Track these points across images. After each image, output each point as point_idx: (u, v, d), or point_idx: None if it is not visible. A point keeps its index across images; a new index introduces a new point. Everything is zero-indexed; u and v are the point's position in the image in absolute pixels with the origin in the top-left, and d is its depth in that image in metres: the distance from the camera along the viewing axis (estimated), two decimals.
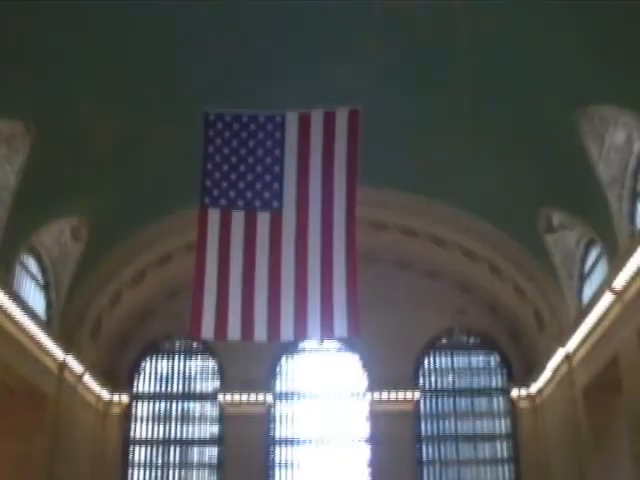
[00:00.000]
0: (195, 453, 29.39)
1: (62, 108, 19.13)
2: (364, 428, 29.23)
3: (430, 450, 29.02)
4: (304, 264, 12.94)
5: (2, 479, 21.88)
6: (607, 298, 20.37)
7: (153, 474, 29.04)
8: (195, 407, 29.88)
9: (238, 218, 13.17)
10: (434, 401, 29.57)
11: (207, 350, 29.94)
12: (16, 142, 19.30)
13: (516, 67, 18.30)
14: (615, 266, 19.56)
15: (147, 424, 29.63)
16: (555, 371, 25.79)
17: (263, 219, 13.13)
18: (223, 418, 29.32)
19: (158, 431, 29.53)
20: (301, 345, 29.88)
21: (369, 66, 19.19)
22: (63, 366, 24.70)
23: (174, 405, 29.81)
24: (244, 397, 28.99)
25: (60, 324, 24.68)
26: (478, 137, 21.15)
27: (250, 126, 13.36)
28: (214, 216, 13.21)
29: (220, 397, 29.21)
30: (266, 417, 29.23)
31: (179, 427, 29.55)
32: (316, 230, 12.98)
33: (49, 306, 24.48)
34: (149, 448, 29.37)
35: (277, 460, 29.06)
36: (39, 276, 24.02)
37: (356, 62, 19.03)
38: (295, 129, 13.26)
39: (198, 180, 13.34)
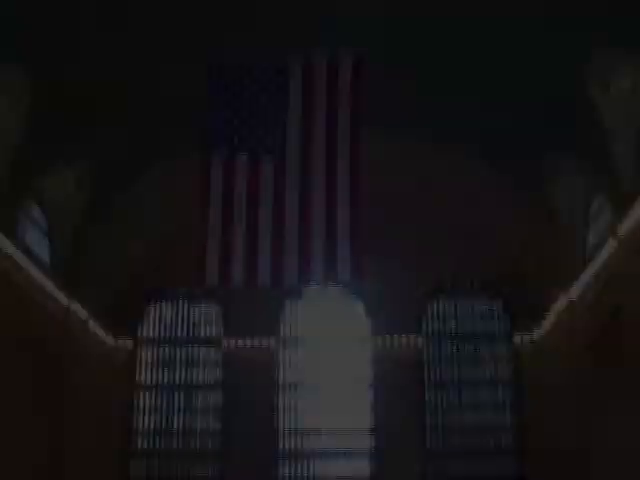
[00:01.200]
0: (199, 398, 29.63)
1: (64, 55, 18.97)
2: (368, 373, 29.43)
3: (433, 395, 29.24)
4: (308, 210, 12.93)
5: (11, 423, 22.13)
6: (611, 245, 20.35)
7: (158, 418, 29.34)
8: (199, 352, 30.06)
9: (241, 165, 13.14)
10: (437, 347, 29.71)
11: (211, 296, 30.01)
12: (19, 90, 19.16)
13: (521, 14, 18.12)
14: (619, 213, 19.51)
15: (152, 369, 29.87)
16: (558, 318, 25.86)
17: (267, 165, 13.10)
18: (227, 363, 29.53)
19: (163, 376, 29.78)
20: (305, 290, 29.95)
21: (372, 7, 18.98)
22: (68, 312, 24.83)
23: (178, 350, 30.00)
24: (248, 342, 29.17)
25: (65, 271, 24.74)
26: (483, 81, 20.98)
27: (254, 74, 13.28)
28: (218, 163, 13.18)
29: (224, 342, 29.39)
30: (270, 362, 29.41)
31: (183, 372, 29.78)
32: (320, 176, 12.95)
33: (53, 253, 24.52)
34: (154, 393, 29.63)
35: (281, 404, 29.31)
36: (43, 224, 24.04)
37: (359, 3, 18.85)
38: (299, 77, 13.17)
39: (202, 127, 13.29)
